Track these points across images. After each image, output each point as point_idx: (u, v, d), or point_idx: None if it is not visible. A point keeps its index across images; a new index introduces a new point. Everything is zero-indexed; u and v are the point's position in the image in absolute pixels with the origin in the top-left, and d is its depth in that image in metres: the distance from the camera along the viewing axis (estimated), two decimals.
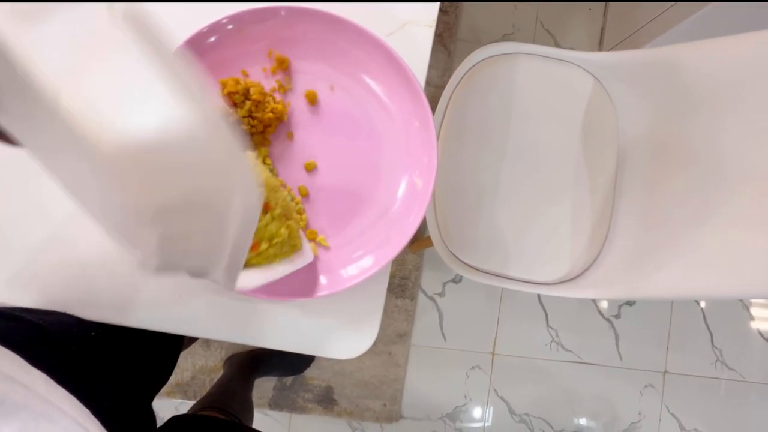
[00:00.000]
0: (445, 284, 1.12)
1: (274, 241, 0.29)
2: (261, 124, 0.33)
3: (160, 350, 0.47)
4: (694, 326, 1.17)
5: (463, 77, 0.70)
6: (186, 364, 1.04)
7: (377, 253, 0.35)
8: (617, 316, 1.15)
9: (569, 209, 0.72)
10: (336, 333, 0.36)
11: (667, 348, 1.16)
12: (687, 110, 0.62)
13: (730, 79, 0.54)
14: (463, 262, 0.69)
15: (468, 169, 0.70)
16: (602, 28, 1.21)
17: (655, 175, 0.67)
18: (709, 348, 1.17)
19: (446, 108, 0.70)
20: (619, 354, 1.14)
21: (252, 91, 0.33)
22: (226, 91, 0.33)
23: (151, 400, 0.42)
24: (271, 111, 0.33)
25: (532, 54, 0.71)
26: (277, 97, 0.35)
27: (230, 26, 0.33)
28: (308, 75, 0.35)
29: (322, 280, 0.34)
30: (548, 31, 1.20)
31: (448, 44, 1.14)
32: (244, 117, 0.33)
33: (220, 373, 1.04)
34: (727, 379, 1.15)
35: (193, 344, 1.04)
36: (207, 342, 1.06)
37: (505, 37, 1.16)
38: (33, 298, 0.34)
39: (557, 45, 1.20)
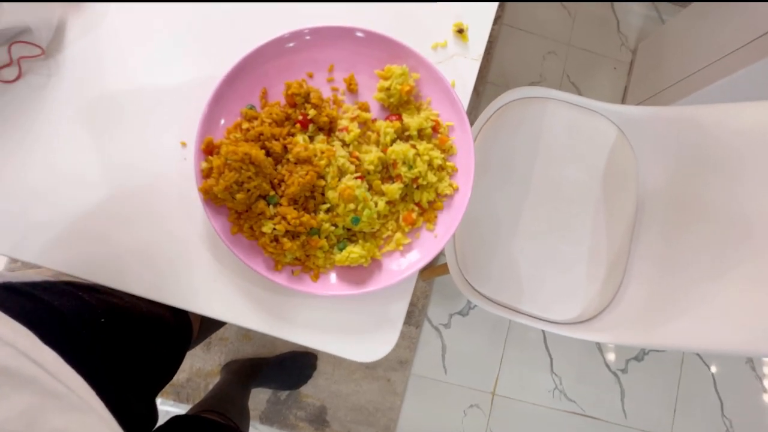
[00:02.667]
0: (451, 316, 1.11)
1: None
2: (328, 124, 0.37)
3: (167, 344, 0.47)
4: (704, 392, 1.13)
5: (492, 115, 0.74)
6: (183, 365, 1.04)
7: (422, 247, 0.36)
8: (624, 371, 1.12)
9: (586, 252, 0.73)
10: (358, 335, 0.37)
11: (675, 411, 1.12)
12: (708, 167, 0.64)
13: (753, 142, 0.57)
14: (476, 291, 0.69)
15: (490, 202, 0.72)
16: (626, 87, 1.26)
17: (673, 225, 0.68)
18: (719, 417, 1.12)
19: (473, 142, 0.73)
20: (624, 411, 1.11)
21: (312, 95, 0.36)
22: (290, 92, 0.36)
23: (155, 395, 0.42)
24: (326, 115, 0.37)
25: (561, 100, 0.75)
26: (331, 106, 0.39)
27: (308, 37, 0.37)
28: (366, 89, 0.39)
29: (374, 273, 0.36)
30: (573, 83, 1.25)
31: (477, 86, 1.19)
32: (309, 115, 0.36)
33: (216, 379, 1.03)
34: None
35: (195, 347, 1.04)
36: (208, 344, 1.05)
37: (533, 85, 1.22)
38: (68, 262, 0.36)
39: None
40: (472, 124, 0.74)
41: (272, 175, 0.35)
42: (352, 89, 0.39)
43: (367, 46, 0.38)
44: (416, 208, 0.37)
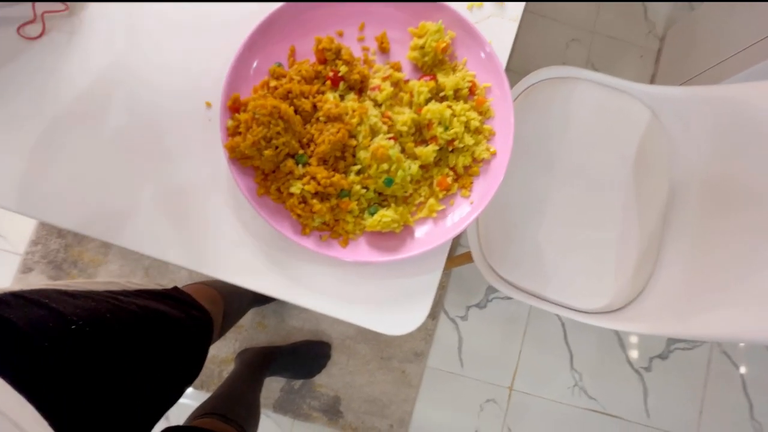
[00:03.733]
0: (469, 308, 1.08)
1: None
2: (359, 83, 0.35)
3: (172, 342, 0.42)
4: (732, 393, 1.08)
5: (519, 95, 0.71)
6: None
7: (457, 214, 0.35)
8: (648, 369, 1.08)
9: (615, 238, 0.70)
10: (387, 307, 0.35)
11: (701, 412, 1.07)
12: (748, 149, 0.60)
13: None
14: (500, 277, 0.67)
15: (516, 185, 0.69)
16: (653, 75, 1.21)
17: (709, 212, 0.65)
18: (748, 419, 1.07)
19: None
20: (647, 410, 1.07)
21: (343, 52, 0.35)
22: (320, 47, 0.34)
23: (151, 419, 0.37)
24: (358, 73, 0.35)
25: (591, 81, 0.72)
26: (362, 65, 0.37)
27: None
28: (398, 48, 0.37)
29: (406, 241, 0.34)
30: (598, 71, 1.21)
31: None
32: (341, 71, 0.35)
33: (230, 366, 1.02)
34: None
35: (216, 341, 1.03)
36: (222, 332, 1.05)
37: None
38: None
39: None
40: None
41: (301, 133, 0.33)
42: (383, 48, 0.37)
43: (400, 2, 0.36)
44: (451, 173, 0.35)
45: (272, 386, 1.03)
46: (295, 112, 0.34)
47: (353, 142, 0.34)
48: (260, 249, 0.36)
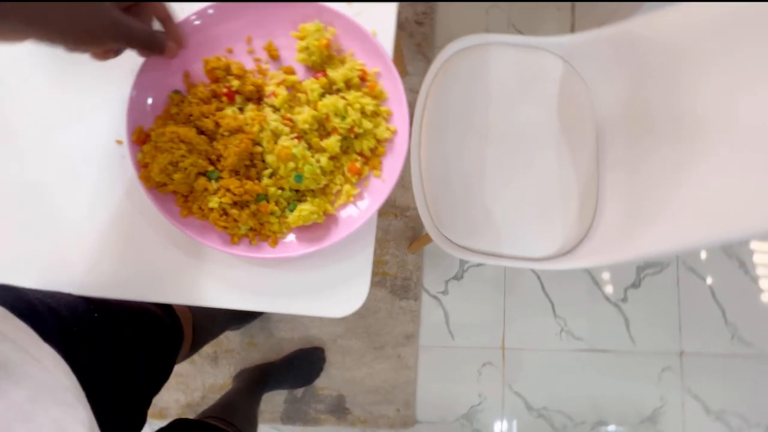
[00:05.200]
0: (447, 282, 1.12)
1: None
2: (255, 93, 0.37)
3: (161, 341, 0.47)
4: (705, 304, 1.15)
5: (438, 71, 0.75)
6: (195, 384, 1.04)
7: (373, 193, 0.37)
8: (624, 300, 1.14)
9: (555, 185, 0.74)
10: (329, 291, 0.38)
11: (680, 329, 1.14)
12: (652, 75, 0.65)
13: (684, 38, 0.58)
14: (458, 245, 0.70)
15: (453, 157, 0.73)
16: (572, 24, 1.27)
17: (633, 141, 0.69)
18: (723, 325, 1.15)
19: (425, 102, 0.74)
20: (632, 338, 1.13)
21: (232, 67, 0.37)
22: (209, 67, 0.36)
23: (144, 403, 0.42)
24: (251, 84, 0.37)
25: (502, 43, 0.76)
26: (257, 75, 0.39)
27: (211, 11, 0.37)
28: (288, 54, 0.39)
29: (332, 228, 0.37)
30: (520, 31, 1.26)
31: (426, 52, 1.19)
32: (233, 86, 0.37)
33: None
34: (746, 355, 1.12)
35: (200, 361, 1.04)
36: (215, 359, 1.06)
37: None
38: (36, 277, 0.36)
39: None
40: (419, 86, 0.74)
41: (209, 151, 0.35)
42: (273, 56, 0.39)
43: (279, 10, 0.38)
44: (360, 158, 0.38)
45: (275, 400, 1.04)
46: (200, 132, 0.36)
47: (259, 149, 0.36)
48: (198, 266, 0.37)
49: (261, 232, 0.36)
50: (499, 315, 1.11)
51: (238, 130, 0.35)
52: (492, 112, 0.74)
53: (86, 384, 0.30)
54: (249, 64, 0.39)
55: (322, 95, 0.38)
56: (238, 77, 0.37)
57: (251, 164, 0.36)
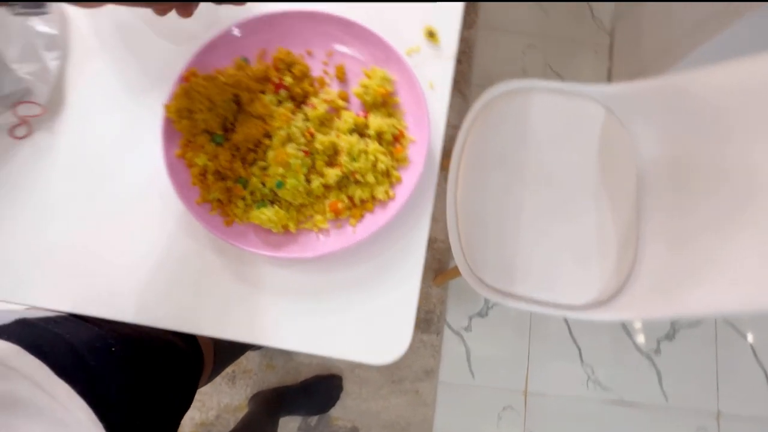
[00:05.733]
0: (471, 318, 1.10)
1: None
2: (300, 97, 0.39)
3: (182, 372, 0.47)
4: (745, 363, 1.09)
5: (479, 113, 0.76)
6: (211, 402, 1.04)
7: (337, 237, 0.38)
8: (657, 351, 1.09)
9: (593, 232, 0.73)
10: (365, 334, 0.38)
11: (717, 387, 1.08)
12: (699, 131, 0.64)
13: (736, 98, 0.57)
14: (489, 286, 0.69)
15: (490, 197, 0.73)
16: (609, 68, 1.27)
17: (677, 195, 0.68)
18: (765, 386, 1.08)
19: (465, 142, 0.75)
20: (664, 393, 1.07)
21: (295, 67, 0.39)
22: (277, 56, 0.39)
23: (172, 427, 0.42)
24: (301, 88, 0.39)
25: (544, 89, 0.77)
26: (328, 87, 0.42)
27: (317, 19, 0.40)
28: (353, 82, 0.42)
29: (287, 244, 0.37)
30: (556, 72, 1.27)
31: (463, 90, 1.22)
32: (285, 82, 0.39)
33: (245, 413, 1.03)
34: None
35: (218, 380, 1.04)
36: (233, 379, 1.06)
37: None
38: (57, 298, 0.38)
39: None
40: (459, 126, 0.76)
41: (227, 119, 0.37)
42: (339, 77, 0.41)
43: (362, 42, 0.40)
44: (347, 201, 0.38)
45: (289, 426, 1.03)
46: (237, 101, 0.38)
47: (268, 142, 0.37)
48: (222, 295, 0.38)
49: (224, 208, 0.37)
50: (522, 357, 1.08)
51: (260, 117, 0.37)
52: (532, 155, 0.74)
53: (105, 418, 0.31)
54: (317, 71, 0.41)
55: (352, 131, 0.39)
56: (296, 78, 0.39)
57: (253, 150, 0.37)
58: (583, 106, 0.76)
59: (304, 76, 0.40)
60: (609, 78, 1.26)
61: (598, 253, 0.72)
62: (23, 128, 0.39)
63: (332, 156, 0.39)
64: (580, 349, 1.09)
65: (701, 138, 0.64)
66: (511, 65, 1.25)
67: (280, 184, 0.36)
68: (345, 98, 0.41)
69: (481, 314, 1.10)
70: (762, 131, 0.54)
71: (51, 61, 0.39)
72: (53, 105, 0.40)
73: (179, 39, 0.43)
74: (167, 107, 0.36)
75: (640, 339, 1.10)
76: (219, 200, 0.37)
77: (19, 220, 0.39)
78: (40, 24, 0.39)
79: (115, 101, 0.41)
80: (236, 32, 0.40)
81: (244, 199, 0.37)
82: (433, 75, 0.43)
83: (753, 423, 1.05)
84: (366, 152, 0.37)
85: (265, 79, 0.39)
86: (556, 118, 0.75)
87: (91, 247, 0.39)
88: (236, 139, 0.36)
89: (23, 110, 0.39)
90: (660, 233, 0.71)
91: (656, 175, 0.72)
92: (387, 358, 0.37)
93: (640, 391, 1.07)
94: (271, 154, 0.37)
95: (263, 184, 0.37)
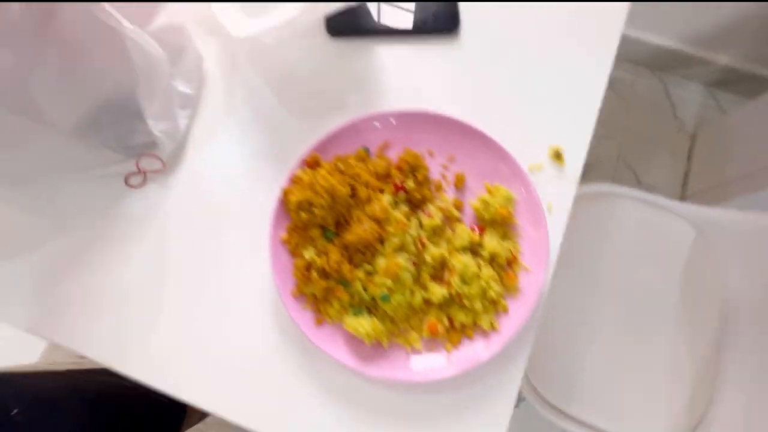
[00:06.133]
0: None
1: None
2: (418, 201, 0.38)
3: (162, 422, 0.45)
4: None
5: None
6: None
7: (430, 362, 0.35)
8: None
9: (667, 362, 0.66)
10: None
11: None
12: None
13: None
14: (550, 404, 0.63)
15: (560, 305, 0.68)
16: (686, 173, 1.22)
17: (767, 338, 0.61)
18: None
19: None
20: None
21: (419, 172, 0.38)
22: (404, 157, 0.38)
23: None
24: (420, 194, 0.38)
25: (631, 197, 0.73)
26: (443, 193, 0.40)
27: (443, 123, 0.40)
28: (469, 190, 0.40)
29: (374, 357, 0.35)
30: (630, 166, 1.23)
31: None
32: (407, 185, 0.38)
33: None
34: None
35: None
36: None
37: (588, 168, 1.21)
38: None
39: (638, 180, 1.23)
40: None
41: (341, 213, 0.36)
42: (457, 184, 0.40)
43: (490, 152, 0.39)
44: (446, 323, 0.36)
45: None
46: (352, 193, 0.36)
47: (379, 246, 0.35)
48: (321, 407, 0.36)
49: (317, 304, 0.35)
50: None
51: (377, 221, 0.35)
52: (610, 265, 0.70)
53: None
54: (435, 173, 0.40)
55: (464, 248, 0.37)
56: (417, 182, 0.38)
57: (362, 251, 0.35)
58: (671, 223, 0.72)
59: (426, 181, 0.38)
60: (686, 181, 1.21)
61: (670, 386, 0.65)
62: (138, 177, 0.40)
63: (438, 269, 0.36)
64: None
65: None
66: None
67: (387, 298, 0.34)
68: (460, 208, 0.39)
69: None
70: None
71: (181, 119, 0.40)
72: (172, 160, 0.41)
73: (305, 116, 0.43)
74: (287, 197, 0.36)
75: None
76: (314, 295, 0.36)
77: (114, 267, 0.38)
78: (181, 84, 0.40)
79: (231, 167, 0.41)
80: (362, 122, 0.40)
81: (340, 300, 0.35)
82: (552, 196, 0.40)
83: None
84: (480, 278, 0.35)
85: (386, 176, 0.38)
86: (642, 231, 0.71)
87: (172, 315, 0.38)
88: (348, 239, 0.35)
89: (145, 162, 0.39)
90: (742, 380, 0.63)
91: (744, 314, 0.66)
92: None
93: None
94: (381, 261, 0.35)
95: (364, 289, 0.35)
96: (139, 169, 0.39)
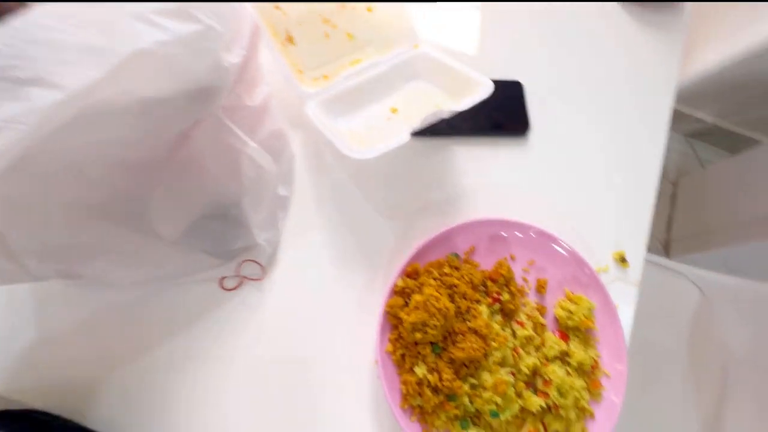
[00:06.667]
0: None
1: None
2: (511, 311, 0.41)
3: None
4: None
5: None
6: None
7: None
8: None
9: (676, 420, 0.73)
10: None
11: None
12: None
13: None
14: None
15: None
16: (669, 216, 1.33)
17: (764, 404, 0.69)
18: None
19: None
20: None
21: (512, 284, 0.41)
22: (499, 270, 0.41)
23: None
24: (513, 304, 0.40)
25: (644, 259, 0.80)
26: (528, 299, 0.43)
27: (531, 233, 0.43)
28: (550, 294, 0.43)
29: None
30: None
31: None
32: (503, 298, 0.41)
33: None
34: None
35: None
36: None
37: None
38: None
39: None
40: None
41: (448, 327, 0.38)
42: (539, 289, 0.43)
43: (567, 260, 0.43)
44: (542, 430, 0.38)
45: None
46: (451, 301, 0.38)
47: (483, 360, 0.37)
48: None
49: (424, 418, 0.37)
50: None
51: (482, 336, 0.37)
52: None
53: None
54: (517, 278, 0.43)
55: (555, 358, 0.40)
56: (512, 294, 0.40)
57: (466, 365, 0.37)
58: (677, 284, 0.79)
59: (517, 292, 0.41)
60: (668, 226, 1.32)
61: None
62: (233, 281, 0.40)
63: (531, 378, 0.39)
64: None
65: None
66: None
67: (496, 414, 0.36)
68: (543, 313, 0.42)
69: None
70: None
71: (279, 222, 0.40)
72: (268, 265, 0.41)
73: (390, 214, 0.44)
74: (395, 311, 0.37)
75: None
76: (421, 407, 0.37)
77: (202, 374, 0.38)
78: (281, 188, 0.40)
79: (322, 271, 0.42)
80: (452, 231, 0.42)
81: (446, 413, 0.37)
82: (617, 299, 0.44)
83: None
84: (573, 388, 0.38)
85: (480, 286, 0.40)
86: (650, 292, 0.78)
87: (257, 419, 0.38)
88: (458, 356, 0.37)
89: (245, 269, 0.39)
90: (742, 428, 0.71)
91: (744, 372, 0.73)
92: None
93: None
94: (485, 375, 0.37)
95: (470, 402, 0.37)
96: (238, 274, 0.39)
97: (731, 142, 1.30)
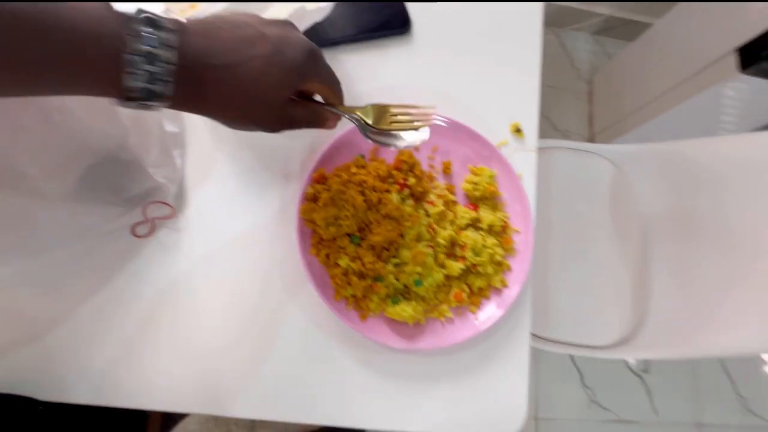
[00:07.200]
0: None
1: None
2: (420, 194, 0.43)
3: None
4: (716, 375, 1.23)
5: None
6: None
7: (461, 326, 0.42)
8: (646, 371, 1.21)
9: (611, 278, 0.81)
10: (481, 415, 0.42)
11: (697, 399, 1.21)
12: (697, 190, 0.75)
13: (731, 167, 0.68)
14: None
15: None
16: (590, 114, 1.42)
17: (683, 245, 0.78)
18: (734, 396, 1.23)
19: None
20: (654, 409, 1.18)
21: (416, 168, 0.43)
22: (401, 158, 0.43)
23: None
24: (421, 187, 0.43)
25: (563, 148, 0.86)
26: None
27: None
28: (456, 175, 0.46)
29: (416, 334, 0.41)
30: (546, 116, 1.39)
31: None
32: (409, 182, 0.43)
33: None
34: (760, 426, 1.20)
35: (236, 428, 1.00)
36: (252, 428, 1.02)
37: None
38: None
39: (555, 128, 1.40)
40: None
41: (361, 219, 0.40)
42: (445, 171, 0.46)
43: (468, 140, 0.45)
44: (467, 290, 0.43)
45: None
46: (365, 200, 0.41)
47: (400, 240, 0.40)
48: (356, 389, 0.41)
49: (358, 304, 0.40)
50: (531, 386, 1.15)
51: (394, 219, 0.40)
52: (555, 208, 0.82)
53: None
54: (423, 165, 0.45)
55: (467, 225, 0.43)
56: (417, 177, 0.43)
57: (386, 248, 0.41)
58: (594, 162, 0.86)
59: (422, 175, 0.44)
60: (591, 122, 1.41)
61: (615, 294, 0.81)
62: (145, 227, 0.40)
63: (450, 248, 0.42)
64: (581, 374, 1.18)
65: (701, 196, 0.74)
66: None
67: (419, 282, 0.39)
68: (452, 191, 0.45)
69: None
70: (756, 193, 0.65)
71: (177, 159, 0.40)
72: (176, 203, 0.41)
73: (293, 133, 0.45)
74: (309, 215, 0.39)
75: (631, 359, 1.21)
76: (354, 296, 0.40)
77: (138, 316, 0.39)
78: (168, 124, 0.39)
79: (235, 198, 0.43)
80: (352, 132, 0.43)
81: (378, 294, 0.40)
82: (520, 166, 0.48)
83: (729, 430, 1.19)
84: (486, 247, 0.42)
85: (387, 177, 0.42)
86: (573, 173, 0.84)
87: (215, 344, 0.39)
88: (375, 241, 0.39)
89: (152, 211, 0.39)
90: (668, 278, 0.80)
91: (661, 225, 0.83)
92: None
93: (634, 409, 1.18)
94: (405, 252, 0.40)
95: (397, 279, 0.40)
96: (147, 218, 0.39)
97: (631, 31, 1.38)
